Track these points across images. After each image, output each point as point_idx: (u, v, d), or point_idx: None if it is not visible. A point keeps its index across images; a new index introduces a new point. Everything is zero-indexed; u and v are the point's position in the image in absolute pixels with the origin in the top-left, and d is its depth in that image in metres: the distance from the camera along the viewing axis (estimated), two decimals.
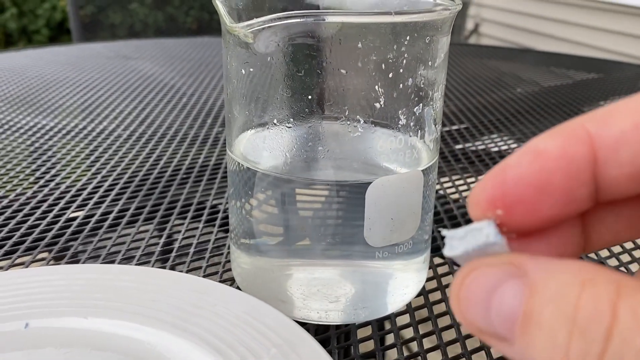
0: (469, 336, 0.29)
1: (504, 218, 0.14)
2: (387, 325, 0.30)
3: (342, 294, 0.29)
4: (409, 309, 0.31)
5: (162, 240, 0.38)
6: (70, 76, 0.79)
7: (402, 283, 0.30)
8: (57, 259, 0.36)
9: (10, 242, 0.37)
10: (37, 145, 0.54)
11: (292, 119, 0.26)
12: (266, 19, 0.23)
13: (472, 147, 0.57)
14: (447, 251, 0.14)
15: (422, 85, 0.26)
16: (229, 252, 0.36)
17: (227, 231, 0.39)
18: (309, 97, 0.25)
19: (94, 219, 0.40)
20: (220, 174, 0.48)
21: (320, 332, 0.29)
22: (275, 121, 0.26)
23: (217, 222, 0.40)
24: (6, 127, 0.59)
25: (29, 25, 5.64)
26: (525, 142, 0.56)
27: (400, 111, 0.26)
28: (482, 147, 0.57)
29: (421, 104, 0.26)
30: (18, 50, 0.96)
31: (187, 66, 0.87)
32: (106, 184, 0.46)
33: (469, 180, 0.48)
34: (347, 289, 0.29)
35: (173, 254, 0.36)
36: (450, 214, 0.42)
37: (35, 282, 0.27)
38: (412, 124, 0.27)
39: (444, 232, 0.14)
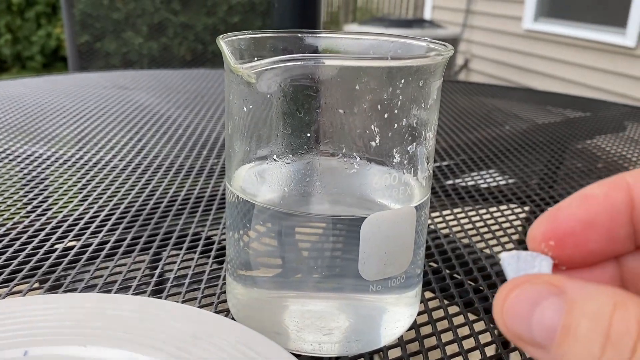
0: None
1: (555, 249, 0.17)
2: (379, 358, 0.31)
3: (335, 326, 0.29)
4: (401, 342, 0.31)
5: (158, 270, 0.38)
6: (67, 105, 0.81)
7: (394, 317, 0.30)
8: (54, 288, 0.36)
9: (8, 270, 0.37)
10: (33, 174, 0.55)
11: (290, 155, 0.27)
12: (269, 61, 0.24)
13: (462, 183, 0.58)
14: (503, 260, 0.17)
15: (415, 125, 0.27)
16: (224, 283, 0.36)
17: (221, 262, 0.39)
18: (308, 134, 0.26)
19: (90, 249, 0.40)
20: (216, 205, 0.49)
21: None
22: (274, 157, 0.27)
23: (212, 253, 0.40)
24: (3, 155, 0.60)
25: (23, 51, 5.67)
26: (513, 178, 0.56)
27: (394, 149, 0.27)
28: (472, 183, 0.58)
29: (414, 143, 0.28)
30: (15, 79, 0.97)
31: (183, 97, 0.88)
32: (102, 214, 0.46)
33: (459, 215, 0.49)
34: (341, 321, 0.29)
35: (169, 285, 0.36)
36: (441, 249, 0.43)
37: (35, 310, 0.28)
38: (405, 162, 0.28)
39: (503, 254, 0.17)
